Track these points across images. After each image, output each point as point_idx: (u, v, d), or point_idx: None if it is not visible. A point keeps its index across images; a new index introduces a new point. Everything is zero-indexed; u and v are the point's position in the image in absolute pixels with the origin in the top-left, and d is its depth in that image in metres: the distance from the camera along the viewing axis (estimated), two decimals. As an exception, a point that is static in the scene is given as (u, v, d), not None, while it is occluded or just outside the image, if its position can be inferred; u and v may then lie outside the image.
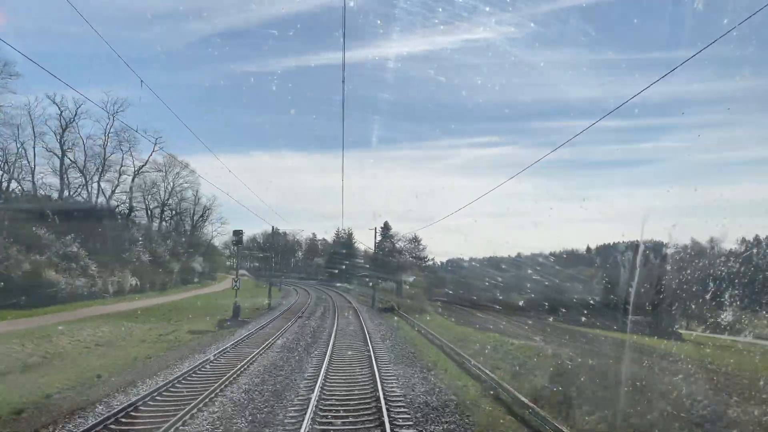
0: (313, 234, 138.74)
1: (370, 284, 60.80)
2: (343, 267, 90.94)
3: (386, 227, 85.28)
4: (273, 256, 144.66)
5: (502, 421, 12.79)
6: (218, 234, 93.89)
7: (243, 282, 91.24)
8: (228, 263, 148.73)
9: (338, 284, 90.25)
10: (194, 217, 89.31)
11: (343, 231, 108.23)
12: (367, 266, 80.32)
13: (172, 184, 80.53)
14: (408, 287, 63.45)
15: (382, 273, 63.42)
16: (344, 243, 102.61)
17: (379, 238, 74.82)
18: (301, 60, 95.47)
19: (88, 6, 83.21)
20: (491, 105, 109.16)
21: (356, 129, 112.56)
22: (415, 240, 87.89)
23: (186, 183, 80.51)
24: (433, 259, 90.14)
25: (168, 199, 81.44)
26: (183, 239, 79.82)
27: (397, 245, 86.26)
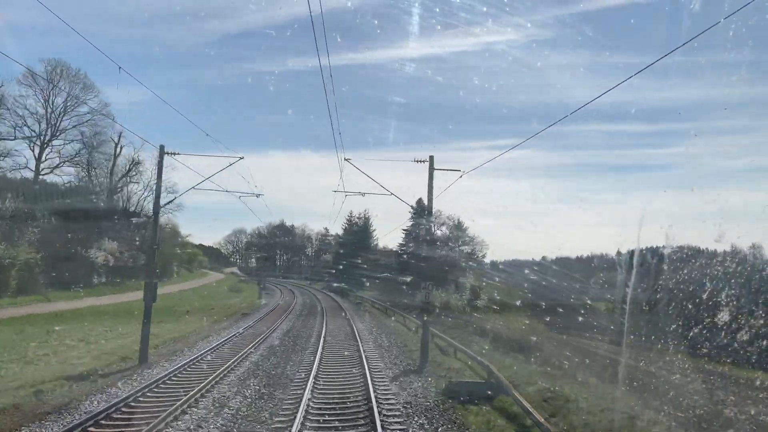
0: (326, 228, 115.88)
1: (409, 293, 35.75)
2: (358, 264, 66.49)
3: (422, 206, 47.95)
4: (276, 251, 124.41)
5: None
6: (171, 211, 64.49)
7: (221, 282, 74.87)
8: (232, 259, 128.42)
9: (343, 287, 65.34)
10: (112, 174, 55.57)
11: (357, 217, 77.79)
12: (383, 263, 62.85)
13: (61, 108, 48.24)
14: (462, 297, 36.43)
15: (411, 273, 40.45)
16: (358, 232, 76.07)
17: (408, 225, 50.38)
18: (321, 60, 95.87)
19: (110, 5, 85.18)
20: (512, 107, 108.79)
21: (372, 129, 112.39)
22: (459, 227, 59.33)
23: (86, 109, 48.83)
24: (484, 255, 61.89)
25: (49, 137, 48.32)
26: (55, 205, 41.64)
27: (438, 232, 56.33)
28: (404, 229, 55.79)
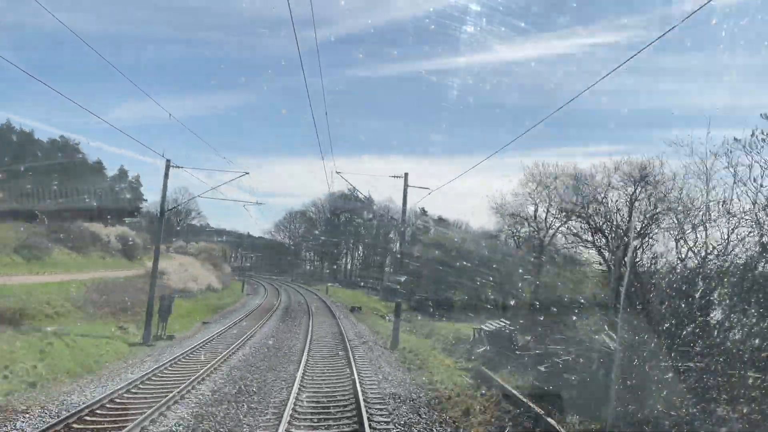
0: (422, 209, 71.31)
1: None
2: None
3: None
4: (342, 243, 78.60)
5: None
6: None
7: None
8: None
9: None
10: None
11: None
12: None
13: None
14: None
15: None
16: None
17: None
18: (415, 65, 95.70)
19: (212, 14, 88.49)
20: (607, 112, 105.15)
21: (461, 134, 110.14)
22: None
23: None
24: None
25: None
26: None
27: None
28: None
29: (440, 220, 65.08)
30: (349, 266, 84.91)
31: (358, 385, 17.28)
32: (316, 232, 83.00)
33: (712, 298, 15.45)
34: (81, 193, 47.68)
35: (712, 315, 15.27)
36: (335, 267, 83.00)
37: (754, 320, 14.39)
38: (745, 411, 12.76)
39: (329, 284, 71.45)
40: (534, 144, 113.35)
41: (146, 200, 79.28)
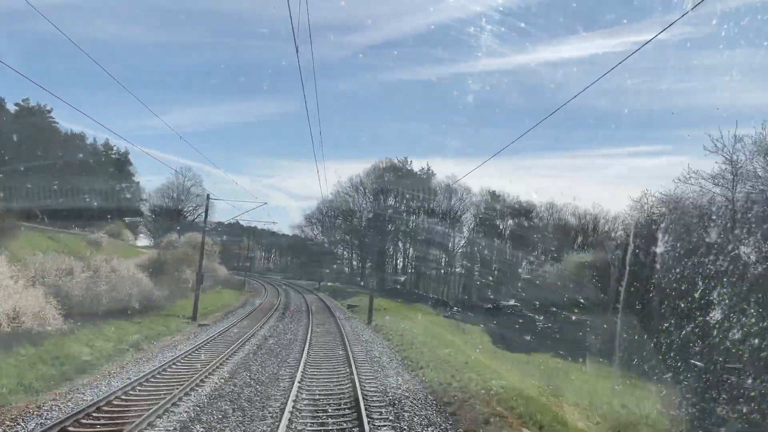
0: (492, 192, 53.84)
1: None
2: None
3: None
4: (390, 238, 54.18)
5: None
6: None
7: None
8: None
9: None
10: None
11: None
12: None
13: None
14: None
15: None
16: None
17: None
18: (453, 67, 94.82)
19: (252, 22, 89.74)
20: (652, 112, 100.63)
21: (500, 135, 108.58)
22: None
23: None
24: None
25: None
26: None
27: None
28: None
29: (520, 205, 50.91)
30: (399, 265, 59.24)
31: None
32: (354, 221, 60.68)
33: (711, 298, 15.45)
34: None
35: (711, 315, 15.27)
36: (382, 267, 59.00)
37: (753, 320, 14.40)
38: (745, 411, 12.77)
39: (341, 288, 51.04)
40: (571, 146, 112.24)
41: (137, 181, 61.14)
